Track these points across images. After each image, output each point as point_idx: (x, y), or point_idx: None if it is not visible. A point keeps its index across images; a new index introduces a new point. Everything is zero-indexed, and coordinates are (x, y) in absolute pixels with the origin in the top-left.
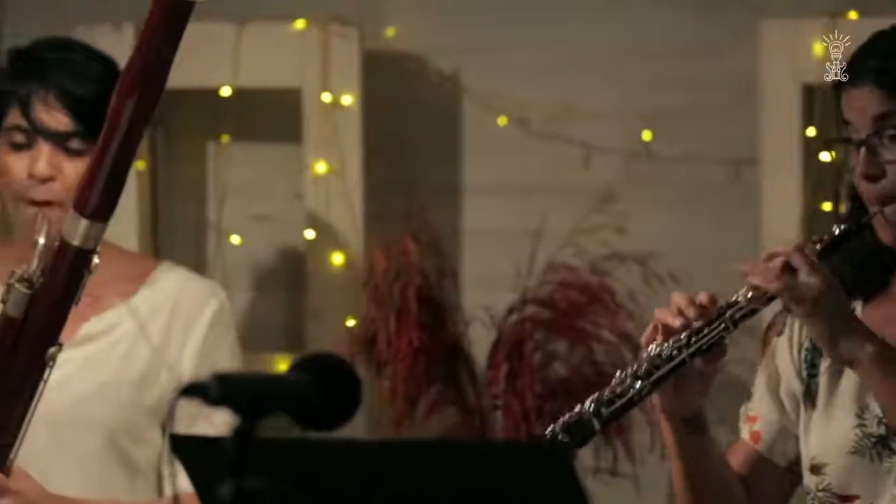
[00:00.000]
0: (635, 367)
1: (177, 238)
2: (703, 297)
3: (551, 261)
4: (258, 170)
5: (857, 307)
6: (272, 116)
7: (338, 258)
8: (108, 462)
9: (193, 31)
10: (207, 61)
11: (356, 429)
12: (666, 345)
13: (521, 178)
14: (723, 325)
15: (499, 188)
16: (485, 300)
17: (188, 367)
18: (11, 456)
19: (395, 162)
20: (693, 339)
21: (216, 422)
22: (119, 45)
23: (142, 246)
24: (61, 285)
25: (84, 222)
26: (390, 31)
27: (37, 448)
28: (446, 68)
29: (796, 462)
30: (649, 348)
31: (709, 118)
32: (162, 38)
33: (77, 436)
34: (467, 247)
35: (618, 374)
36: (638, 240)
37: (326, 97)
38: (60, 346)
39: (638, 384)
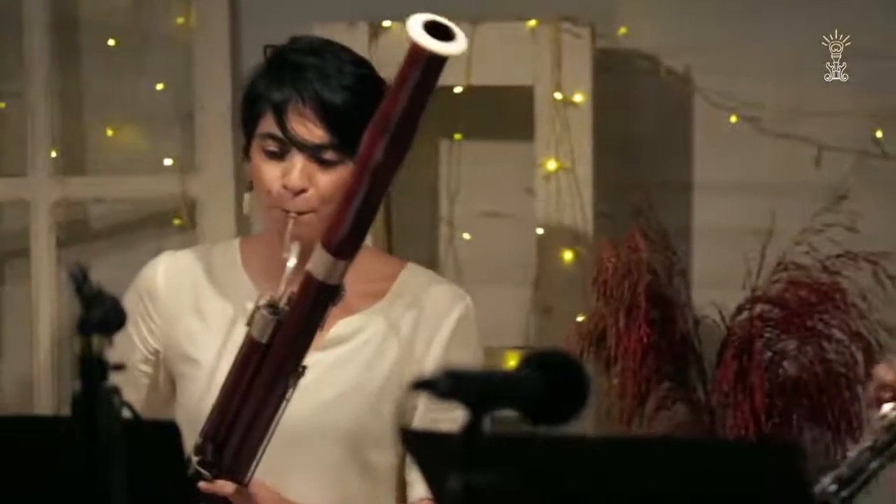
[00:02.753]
0: (873, 441)
1: (410, 234)
2: None
3: (781, 259)
4: (490, 167)
5: None
6: (504, 114)
7: (568, 255)
8: (348, 467)
9: None
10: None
11: (584, 425)
12: None
13: (752, 176)
14: None
15: (729, 186)
16: (714, 298)
17: (431, 371)
18: (249, 474)
19: (625, 159)
20: None
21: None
22: (353, 44)
23: (376, 242)
24: (305, 316)
25: (329, 259)
26: (622, 30)
27: (278, 453)
28: (677, 66)
29: None
30: (882, 411)
31: None
32: (414, 88)
33: (318, 441)
34: (697, 244)
35: (855, 448)
36: (870, 239)
37: (558, 95)
38: (304, 369)
39: (876, 462)
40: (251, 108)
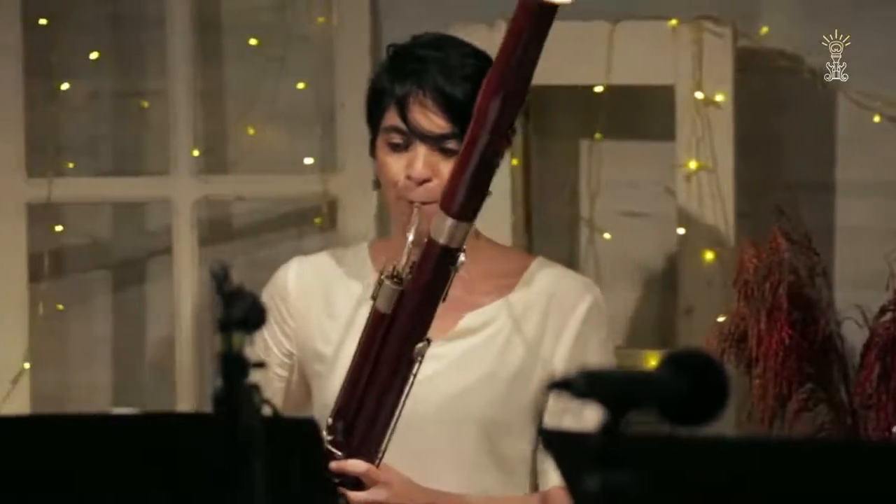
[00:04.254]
0: None
1: (549, 234)
2: None
3: None
4: (630, 167)
5: None
6: (644, 114)
7: (709, 255)
8: (481, 457)
9: (568, 29)
10: (581, 59)
11: (725, 426)
12: None
13: (895, 176)
14: None
15: (872, 186)
16: (857, 299)
17: (560, 363)
18: (382, 448)
19: (766, 159)
20: None
21: (586, 417)
22: (493, 44)
23: (516, 241)
24: (428, 283)
25: (450, 221)
26: (764, 29)
27: (410, 442)
28: (819, 66)
29: None
30: None
31: None
32: (527, 39)
33: (451, 431)
34: (839, 245)
35: None
36: None
37: (699, 95)
38: (429, 341)
39: None
40: (375, 104)
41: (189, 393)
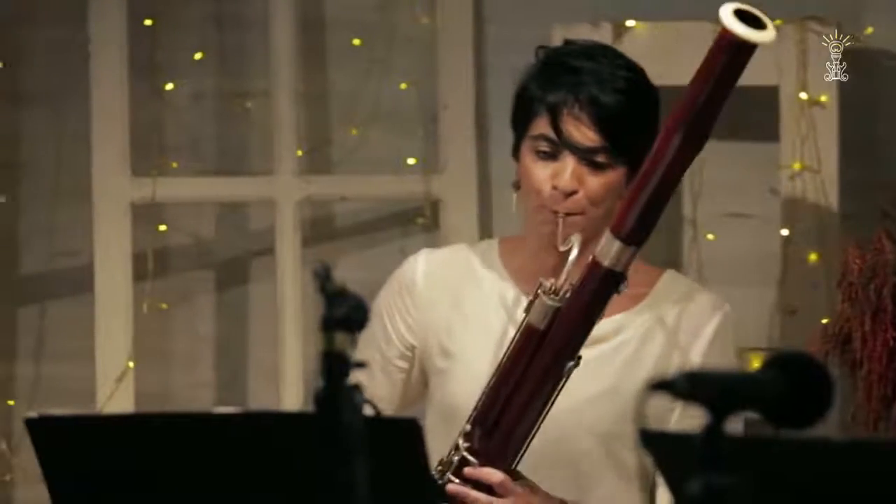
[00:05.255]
0: None
1: (653, 234)
2: None
3: None
4: (734, 167)
5: None
6: (749, 114)
7: (813, 256)
8: (603, 467)
9: (672, 30)
10: (685, 59)
11: (829, 429)
12: None
13: None
14: None
15: None
16: None
17: None
18: (517, 459)
19: (871, 160)
20: None
21: (691, 419)
22: None
23: None
24: (587, 303)
25: (617, 244)
26: (868, 30)
27: (536, 450)
28: None
29: None
30: None
31: None
32: (719, 76)
33: (574, 439)
34: None
35: None
36: None
37: (803, 95)
38: (579, 359)
39: None
40: (524, 109)
41: (292, 392)
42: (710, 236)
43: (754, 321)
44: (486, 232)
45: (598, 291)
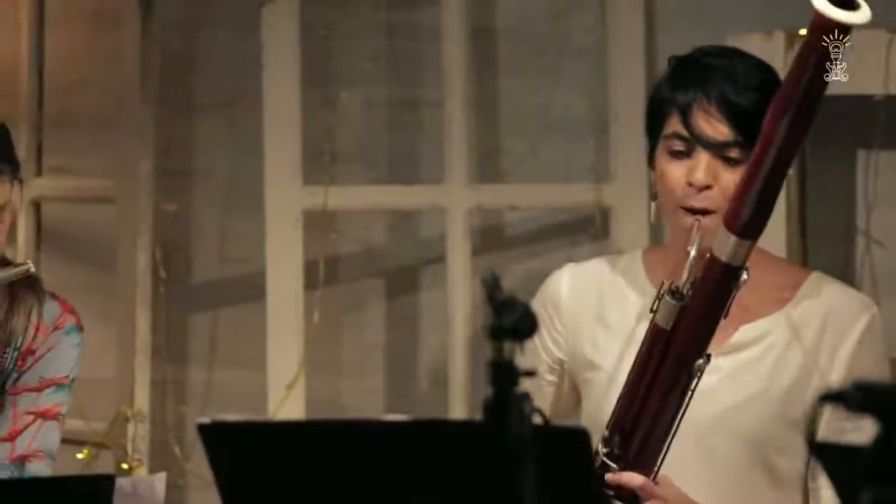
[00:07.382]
0: None
1: (825, 244)
2: None
3: None
4: None
5: None
6: None
7: None
8: (753, 472)
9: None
10: (859, 68)
11: None
12: None
13: None
14: None
15: None
16: None
17: (836, 379)
18: (658, 462)
19: None
20: None
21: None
22: (770, 53)
23: (790, 252)
24: (709, 300)
25: (733, 239)
26: None
27: (683, 456)
28: None
29: None
30: None
31: None
32: (818, 59)
33: (722, 445)
34: None
35: None
36: None
37: None
38: (709, 357)
39: None
40: (656, 113)
41: (462, 400)
42: (883, 247)
43: None
44: (656, 241)
45: (718, 288)
